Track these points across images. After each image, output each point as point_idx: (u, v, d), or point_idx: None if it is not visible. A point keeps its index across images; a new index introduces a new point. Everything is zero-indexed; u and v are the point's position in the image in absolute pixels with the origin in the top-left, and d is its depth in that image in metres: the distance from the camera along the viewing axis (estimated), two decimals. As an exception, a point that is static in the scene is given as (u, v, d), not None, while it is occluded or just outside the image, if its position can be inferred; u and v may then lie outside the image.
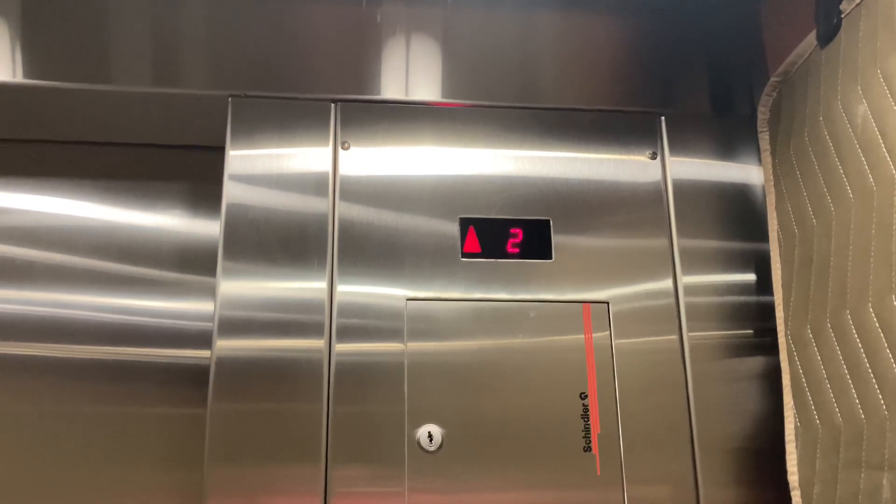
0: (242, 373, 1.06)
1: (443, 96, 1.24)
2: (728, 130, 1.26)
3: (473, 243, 1.15)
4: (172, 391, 1.23)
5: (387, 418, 1.06)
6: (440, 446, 1.06)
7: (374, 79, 1.23)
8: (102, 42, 1.20)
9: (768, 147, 1.17)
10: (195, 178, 1.31)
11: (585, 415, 1.09)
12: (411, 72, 1.24)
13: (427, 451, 1.05)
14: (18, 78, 1.17)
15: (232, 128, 1.16)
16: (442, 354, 1.10)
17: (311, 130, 1.18)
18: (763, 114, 1.18)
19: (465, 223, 1.16)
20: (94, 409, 1.22)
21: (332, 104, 1.20)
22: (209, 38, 1.23)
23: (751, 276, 1.19)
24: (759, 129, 1.18)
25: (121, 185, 1.32)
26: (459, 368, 1.09)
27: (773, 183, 1.14)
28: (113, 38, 1.20)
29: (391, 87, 1.23)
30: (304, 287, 1.10)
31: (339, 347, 1.08)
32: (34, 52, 1.19)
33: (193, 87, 1.21)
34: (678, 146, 1.24)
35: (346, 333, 1.09)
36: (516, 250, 1.15)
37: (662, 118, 1.25)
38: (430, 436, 1.06)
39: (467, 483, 1.05)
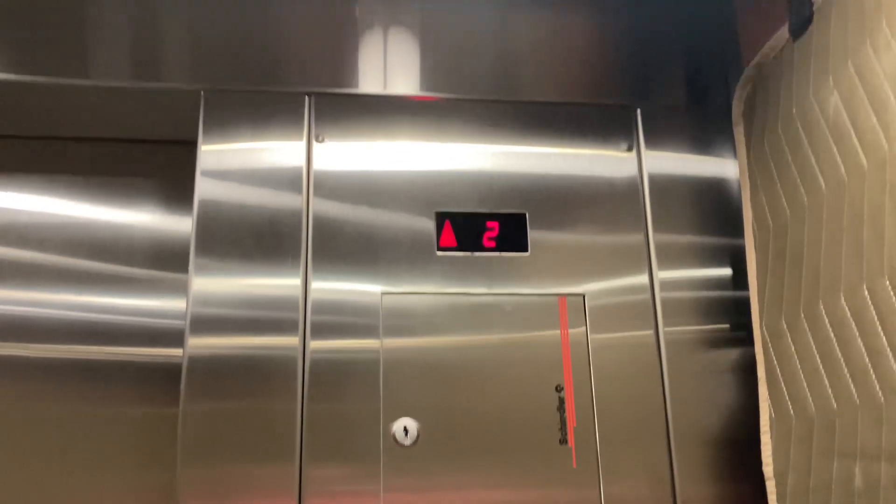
0: (215, 371, 1.05)
1: (420, 89, 1.23)
2: (704, 122, 1.26)
3: (449, 237, 1.14)
4: (145, 390, 1.21)
5: (362, 415, 1.05)
6: (416, 440, 1.05)
7: (349, 71, 1.22)
8: (74, 37, 1.18)
9: (743, 140, 1.17)
10: (168, 173, 1.30)
11: (561, 407, 1.09)
12: (388, 64, 1.23)
13: (403, 446, 1.05)
14: (-13, 73, 1.15)
15: (204, 122, 1.15)
16: (417, 349, 1.09)
17: (284, 124, 1.17)
18: (738, 107, 1.18)
19: (440, 217, 1.15)
20: (65, 409, 1.20)
21: (307, 97, 1.18)
22: (182, 32, 1.21)
23: (726, 271, 1.19)
24: (734, 123, 1.18)
25: (92, 181, 1.30)
26: (435, 363, 1.09)
27: (747, 175, 1.15)
28: (85, 33, 1.18)
29: (366, 80, 1.22)
30: (277, 284, 1.09)
31: (314, 345, 1.07)
32: (4, 46, 1.16)
33: (166, 80, 1.19)
34: (654, 139, 1.24)
35: (321, 330, 1.08)
36: (492, 244, 1.15)
37: (638, 110, 1.25)
38: (405, 430, 1.05)
39: (443, 478, 1.05)
